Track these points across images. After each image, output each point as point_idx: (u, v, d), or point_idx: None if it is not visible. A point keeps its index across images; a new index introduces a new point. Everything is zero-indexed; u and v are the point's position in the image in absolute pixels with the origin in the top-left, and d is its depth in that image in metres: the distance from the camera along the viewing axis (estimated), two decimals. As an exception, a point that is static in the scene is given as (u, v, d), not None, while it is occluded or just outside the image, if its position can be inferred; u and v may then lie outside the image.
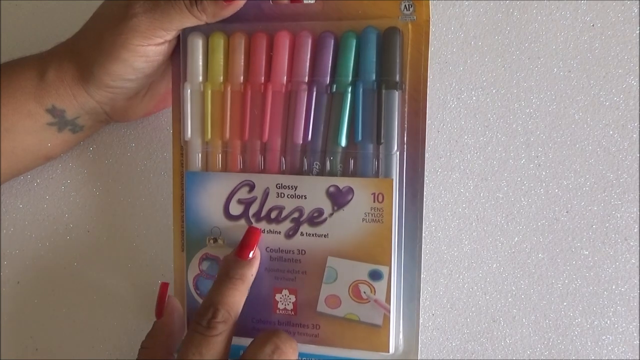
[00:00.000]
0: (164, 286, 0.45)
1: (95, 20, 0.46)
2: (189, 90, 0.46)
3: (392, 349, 0.45)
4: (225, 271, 0.43)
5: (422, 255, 0.45)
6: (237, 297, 0.42)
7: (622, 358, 0.49)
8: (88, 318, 0.52)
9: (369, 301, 0.44)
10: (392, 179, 0.44)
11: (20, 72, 0.47)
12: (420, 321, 0.46)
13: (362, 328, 0.45)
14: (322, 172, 0.45)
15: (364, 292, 0.44)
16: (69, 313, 0.52)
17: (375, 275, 0.44)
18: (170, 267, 0.49)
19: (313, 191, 0.44)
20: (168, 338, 0.44)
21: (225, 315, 0.41)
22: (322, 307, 0.45)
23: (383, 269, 0.44)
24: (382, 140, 0.44)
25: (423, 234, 0.48)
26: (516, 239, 0.50)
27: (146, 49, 0.44)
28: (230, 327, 0.41)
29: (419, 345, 0.46)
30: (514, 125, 0.50)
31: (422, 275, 0.48)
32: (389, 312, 0.44)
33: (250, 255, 0.44)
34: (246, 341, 0.48)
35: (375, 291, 0.44)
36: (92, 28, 0.46)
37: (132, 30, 0.43)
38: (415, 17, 0.44)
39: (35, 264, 0.52)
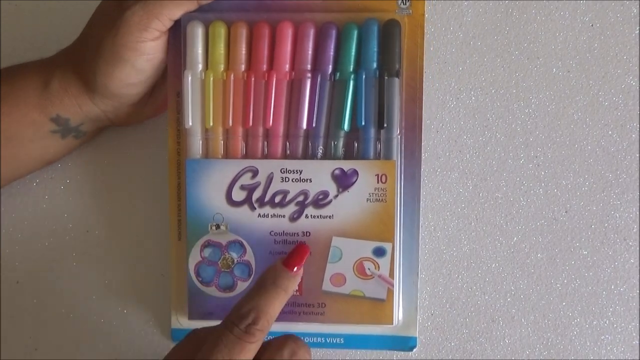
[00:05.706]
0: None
1: (93, 24, 0.46)
2: (189, 78, 0.46)
3: (395, 322, 0.46)
4: (273, 280, 0.41)
5: (419, 244, 0.47)
6: (278, 309, 0.40)
7: (621, 358, 0.49)
8: (88, 318, 0.52)
9: (374, 277, 0.46)
10: (394, 161, 0.46)
11: (22, 79, 0.46)
12: (418, 296, 0.48)
13: (367, 303, 0.46)
14: (325, 156, 0.46)
15: (369, 269, 0.46)
16: (68, 313, 0.52)
17: (379, 252, 0.46)
18: (170, 267, 0.49)
19: (318, 174, 0.46)
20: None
21: (264, 325, 0.39)
22: (327, 285, 0.46)
23: (387, 245, 0.46)
24: (384, 125, 0.46)
25: (421, 234, 0.48)
26: (515, 239, 0.50)
27: (145, 46, 0.44)
28: (264, 337, 0.40)
29: (418, 318, 0.48)
30: (513, 125, 0.50)
31: (420, 273, 0.49)
32: (393, 286, 0.46)
33: (295, 269, 0.42)
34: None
35: (379, 267, 0.46)
36: (91, 33, 0.46)
37: (128, 23, 0.43)
38: (411, 11, 0.47)
39: (35, 264, 0.52)
